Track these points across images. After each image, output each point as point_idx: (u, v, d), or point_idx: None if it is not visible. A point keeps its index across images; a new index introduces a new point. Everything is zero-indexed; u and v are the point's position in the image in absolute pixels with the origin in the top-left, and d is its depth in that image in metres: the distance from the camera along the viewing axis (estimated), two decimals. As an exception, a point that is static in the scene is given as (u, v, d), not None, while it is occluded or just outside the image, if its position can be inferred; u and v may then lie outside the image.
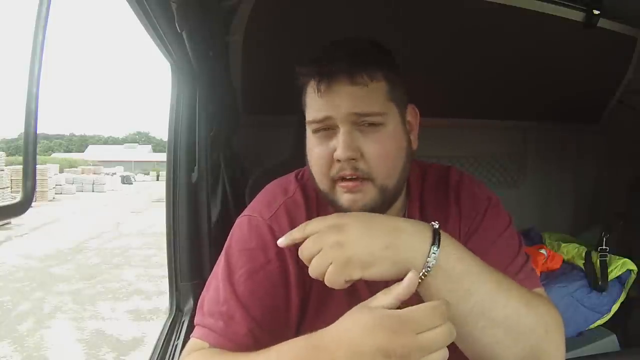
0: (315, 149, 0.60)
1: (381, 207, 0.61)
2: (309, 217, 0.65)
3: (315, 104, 0.59)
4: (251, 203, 0.69)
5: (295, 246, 0.63)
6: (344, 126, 0.57)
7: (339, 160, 0.57)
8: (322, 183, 0.61)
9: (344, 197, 0.59)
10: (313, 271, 0.49)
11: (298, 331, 0.63)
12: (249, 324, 0.58)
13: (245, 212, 0.68)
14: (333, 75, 0.57)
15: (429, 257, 0.49)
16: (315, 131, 0.60)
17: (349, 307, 0.63)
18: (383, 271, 0.49)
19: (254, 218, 0.65)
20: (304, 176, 0.70)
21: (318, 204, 0.67)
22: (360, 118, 0.57)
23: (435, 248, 0.49)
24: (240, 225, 0.66)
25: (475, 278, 0.50)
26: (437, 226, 0.51)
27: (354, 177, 0.58)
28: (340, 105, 0.57)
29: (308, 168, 0.65)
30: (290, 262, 0.62)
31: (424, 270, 0.48)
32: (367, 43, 0.62)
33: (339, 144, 0.57)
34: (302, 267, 0.62)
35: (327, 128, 0.59)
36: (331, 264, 0.48)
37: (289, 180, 0.70)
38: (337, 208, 0.61)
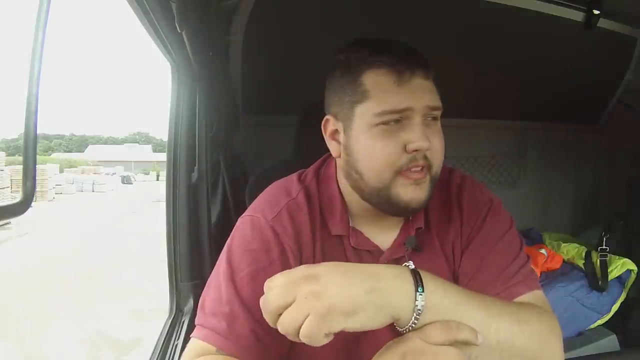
0: (380, 142, 0.58)
1: (429, 201, 0.62)
2: (311, 219, 0.64)
3: (393, 94, 0.58)
4: (253, 203, 0.68)
5: (298, 248, 0.63)
6: (418, 117, 0.58)
7: (416, 150, 0.57)
8: (382, 178, 0.59)
9: (406, 191, 0.59)
10: (285, 325, 0.44)
11: None
12: (251, 325, 0.58)
13: (248, 212, 0.67)
14: (415, 67, 0.58)
15: (416, 300, 0.46)
16: (384, 123, 0.58)
17: None
18: (368, 318, 0.45)
19: (256, 218, 0.64)
20: (307, 178, 0.69)
21: (321, 206, 0.66)
22: (430, 111, 0.59)
23: (420, 289, 0.47)
24: (243, 226, 0.65)
25: (464, 309, 0.49)
26: (412, 267, 0.49)
27: (420, 167, 0.58)
28: (420, 96, 0.58)
29: (351, 166, 0.62)
30: (293, 263, 0.62)
31: (414, 315, 0.46)
32: None
33: (418, 135, 0.57)
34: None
35: (397, 120, 0.58)
36: (308, 316, 0.43)
37: (292, 181, 0.69)
38: (391, 204, 0.60)
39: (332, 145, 0.65)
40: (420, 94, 0.58)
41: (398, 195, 0.59)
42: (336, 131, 0.63)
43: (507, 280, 0.60)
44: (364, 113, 0.59)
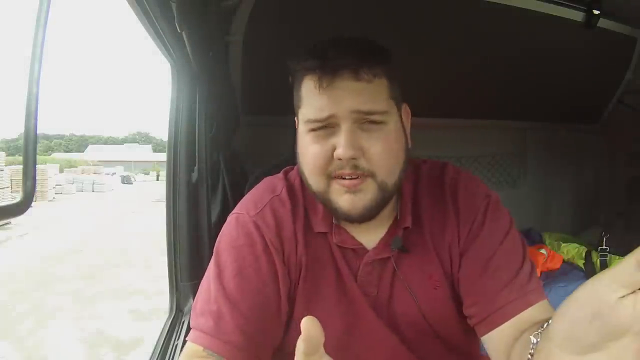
0: (310, 147, 0.58)
1: (380, 206, 0.59)
2: (294, 215, 0.64)
3: (316, 101, 0.56)
4: (240, 202, 0.69)
5: (280, 243, 0.63)
6: (346, 124, 0.55)
7: (339, 159, 0.55)
8: (317, 183, 0.59)
9: (342, 198, 0.57)
10: None
11: (288, 326, 0.64)
12: (237, 321, 0.58)
13: (235, 210, 0.67)
14: (337, 70, 0.55)
15: None
16: (313, 129, 0.57)
17: (338, 302, 0.63)
18: None
19: (241, 216, 0.65)
20: (292, 176, 0.69)
21: (305, 202, 0.66)
22: (363, 116, 0.56)
23: None
24: (229, 224, 0.66)
25: None
26: None
27: (353, 176, 0.56)
28: (343, 101, 0.55)
29: (299, 168, 0.64)
30: (277, 259, 0.62)
31: None
32: (366, 40, 0.60)
33: (341, 143, 0.54)
34: (287, 264, 0.63)
35: (326, 126, 0.57)
36: None
37: (278, 178, 0.69)
38: (333, 210, 0.60)
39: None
40: (345, 99, 0.55)
41: (337, 203, 0.58)
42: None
43: (522, 287, 0.57)
44: (301, 119, 0.60)
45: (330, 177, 0.58)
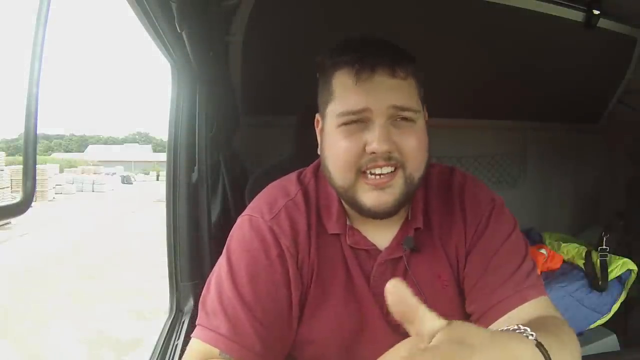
0: (341, 142, 0.58)
1: (404, 202, 0.60)
2: (307, 219, 0.64)
3: (351, 94, 0.57)
4: (252, 203, 0.68)
5: (295, 247, 0.63)
6: (380, 119, 0.56)
7: (373, 153, 0.56)
8: (344, 178, 0.59)
9: (368, 195, 0.58)
10: None
11: (297, 332, 0.64)
12: (253, 325, 0.58)
13: (246, 211, 0.67)
14: (376, 65, 0.56)
15: None
16: (345, 124, 0.58)
17: (347, 303, 0.63)
18: None
19: (255, 218, 0.64)
20: (306, 178, 0.69)
21: (318, 204, 0.66)
22: (398, 112, 0.57)
23: None
24: (242, 226, 0.65)
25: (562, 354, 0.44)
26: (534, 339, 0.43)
27: (384, 166, 0.57)
28: (380, 96, 0.56)
29: (322, 164, 0.64)
30: (290, 263, 0.62)
31: None
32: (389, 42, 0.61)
33: (376, 137, 0.55)
34: (300, 269, 0.63)
35: (358, 121, 0.57)
36: None
37: (291, 181, 0.69)
38: (357, 207, 0.60)
39: (319, 143, 0.66)
40: (382, 94, 0.56)
41: (362, 200, 0.59)
42: (320, 130, 0.65)
43: (518, 284, 0.59)
44: (331, 113, 0.60)
45: (359, 172, 0.58)
